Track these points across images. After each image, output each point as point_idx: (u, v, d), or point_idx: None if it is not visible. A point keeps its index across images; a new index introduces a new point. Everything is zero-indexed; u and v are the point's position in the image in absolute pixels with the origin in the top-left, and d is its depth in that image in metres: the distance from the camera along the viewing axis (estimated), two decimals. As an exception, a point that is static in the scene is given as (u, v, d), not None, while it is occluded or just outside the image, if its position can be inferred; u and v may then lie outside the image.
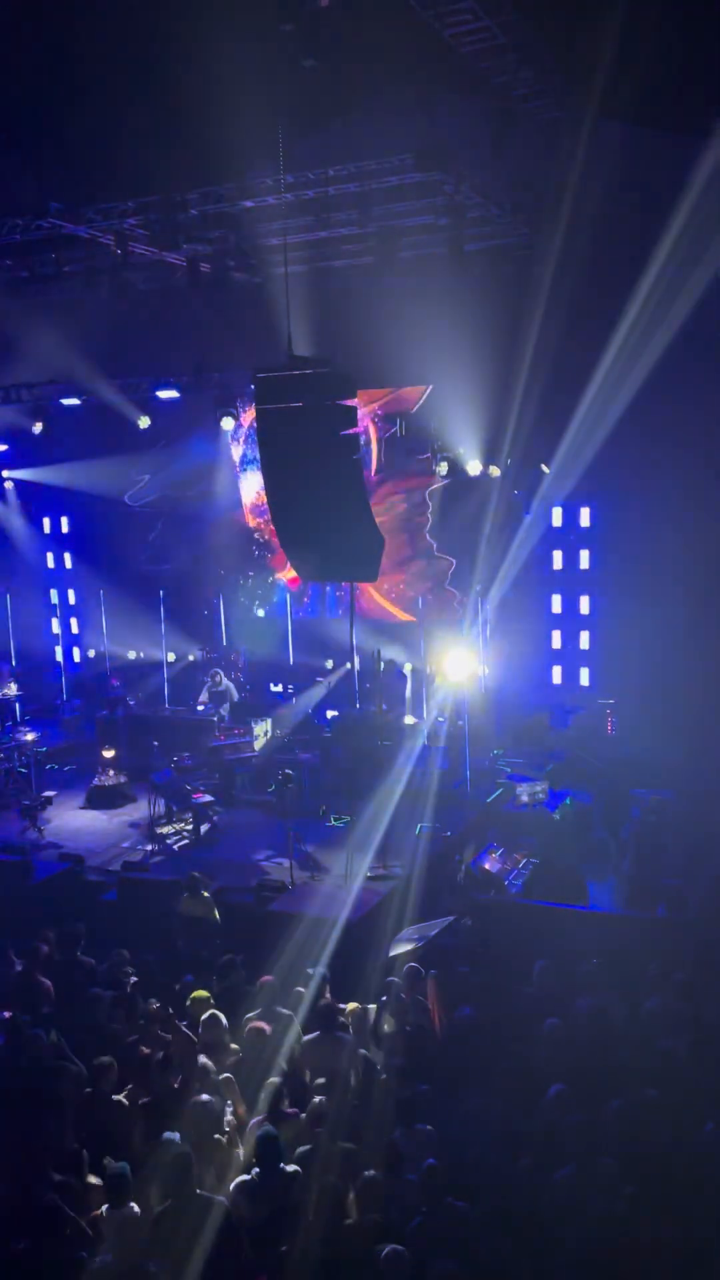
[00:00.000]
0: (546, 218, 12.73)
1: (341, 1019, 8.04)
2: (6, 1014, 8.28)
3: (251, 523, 19.71)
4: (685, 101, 10.82)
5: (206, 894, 10.55)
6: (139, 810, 14.60)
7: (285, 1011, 8.20)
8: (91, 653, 21.81)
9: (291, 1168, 6.11)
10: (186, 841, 13.57)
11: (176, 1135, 6.22)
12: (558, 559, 17.54)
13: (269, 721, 15.99)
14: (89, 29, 9.47)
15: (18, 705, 18.38)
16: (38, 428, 18.81)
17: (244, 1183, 6.05)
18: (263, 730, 15.81)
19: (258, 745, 15.39)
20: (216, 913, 10.44)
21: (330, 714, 16.64)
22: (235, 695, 17.04)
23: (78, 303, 15.19)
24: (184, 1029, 7.71)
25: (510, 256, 14.23)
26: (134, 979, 8.86)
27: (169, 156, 11.97)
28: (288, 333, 10.33)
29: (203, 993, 8.25)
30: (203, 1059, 7.35)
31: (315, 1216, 5.59)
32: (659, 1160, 5.99)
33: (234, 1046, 7.65)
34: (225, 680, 17.10)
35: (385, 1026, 8.23)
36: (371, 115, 11.14)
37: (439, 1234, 5.63)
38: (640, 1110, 6.53)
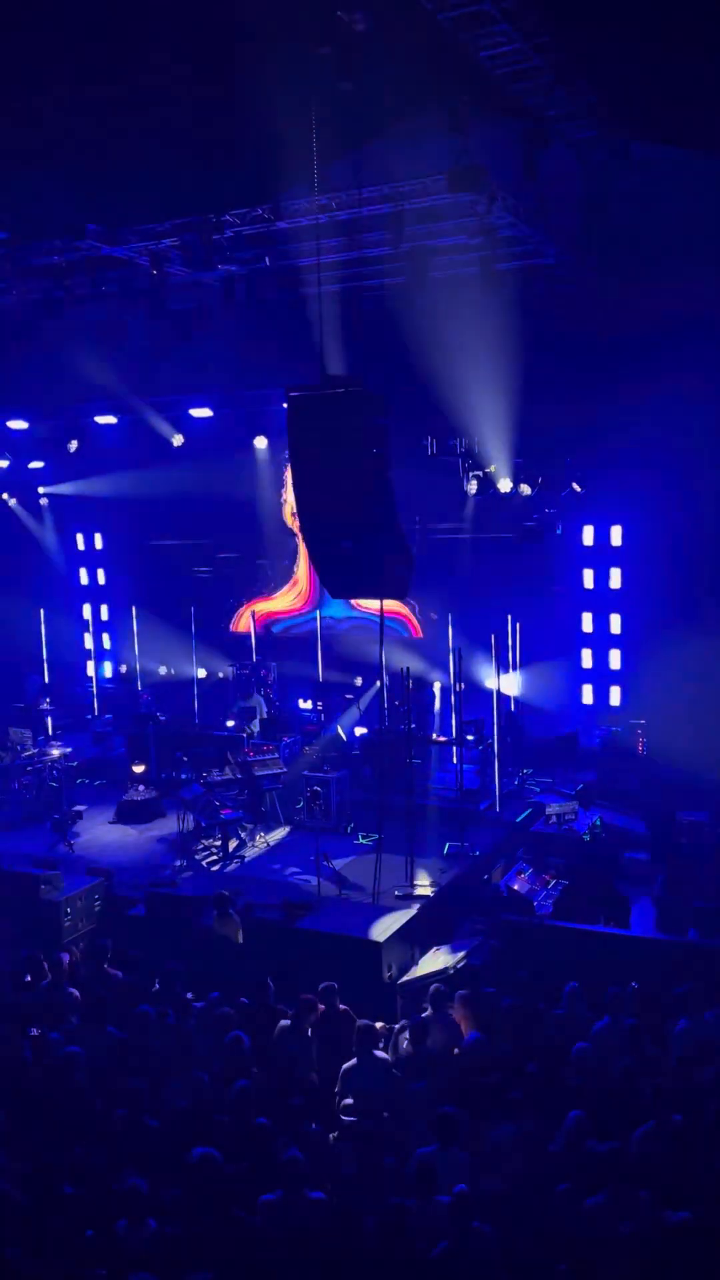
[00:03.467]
0: (579, 237, 12.75)
1: (377, 1040, 8.00)
2: (34, 1030, 8.31)
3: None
4: (716, 120, 10.80)
5: (234, 914, 10.54)
6: (168, 826, 14.65)
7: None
8: (123, 668, 21.96)
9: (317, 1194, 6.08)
10: (215, 857, 13.59)
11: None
12: (589, 578, 17.46)
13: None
14: (125, 52, 9.62)
15: (49, 719, 18.55)
16: (73, 445, 19.05)
17: (269, 1203, 6.02)
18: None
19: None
20: (240, 934, 10.42)
21: (359, 731, 16.63)
22: (265, 710, 17.07)
23: (113, 322, 15.38)
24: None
25: (542, 276, 14.25)
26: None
27: (205, 178, 12.12)
28: (320, 352, 10.40)
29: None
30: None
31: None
32: (690, 1187, 5.89)
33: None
34: (256, 695, 17.16)
35: (413, 1047, 8.17)
36: (405, 137, 11.21)
37: (465, 1259, 5.56)
38: (669, 1136, 6.43)
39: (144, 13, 8.95)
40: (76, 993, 9.10)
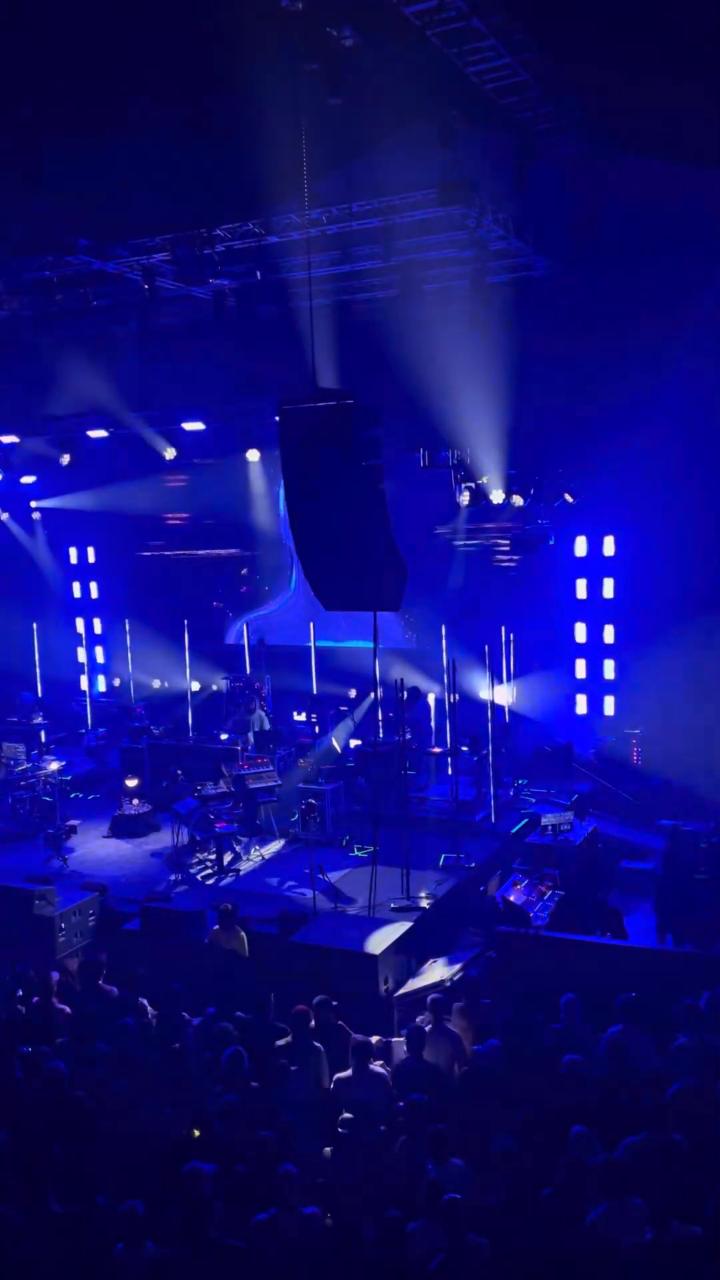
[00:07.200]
0: (569, 250, 12.83)
1: (372, 1054, 7.96)
2: (26, 1049, 8.25)
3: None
4: (703, 134, 10.88)
5: (238, 927, 10.49)
6: (163, 839, 14.61)
7: (317, 1045, 8.14)
8: (116, 681, 21.91)
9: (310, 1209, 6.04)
10: (210, 871, 13.55)
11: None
12: (582, 588, 17.48)
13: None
14: (116, 69, 9.66)
15: (43, 734, 18.49)
16: (65, 459, 19.06)
17: (262, 1223, 5.98)
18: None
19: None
20: (246, 947, 10.37)
21: (354, 743, 16.61)
22: (266, 724, 17.05)
23: (105, 337, 15.42)
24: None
25: (533, 288, 14.33)
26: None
27: (196, 193, 12.17)
28: (312, 365, 10.41)
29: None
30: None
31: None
32: (687, 1201, 5.86)
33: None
34: (258, 710, 17.16)
35: (411, 1056, 8.13)
36: (395, 151, 11.27)
37: (461, 1273, 5.52)
38: (665, 1150, 6.39)
39: (134, 28, 8.99)
40: (67, 1009, 9.05)
